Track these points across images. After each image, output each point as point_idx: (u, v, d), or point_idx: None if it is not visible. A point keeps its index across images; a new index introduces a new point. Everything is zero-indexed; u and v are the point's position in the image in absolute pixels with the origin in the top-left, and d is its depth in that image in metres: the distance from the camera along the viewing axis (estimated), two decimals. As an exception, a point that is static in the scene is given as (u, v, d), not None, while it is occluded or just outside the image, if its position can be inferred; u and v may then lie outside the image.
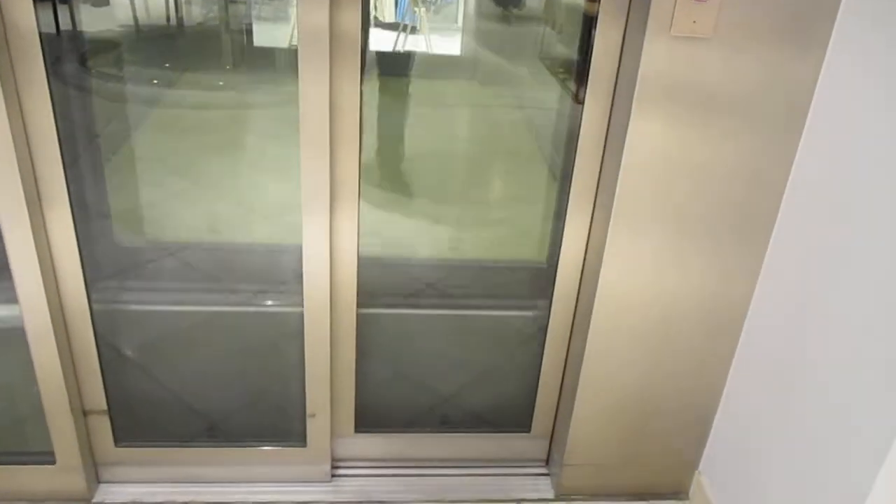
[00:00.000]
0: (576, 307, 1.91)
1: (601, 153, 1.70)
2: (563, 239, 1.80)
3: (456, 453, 2.12)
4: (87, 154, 1.77)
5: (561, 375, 2.02)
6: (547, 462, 2.16)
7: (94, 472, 1.96)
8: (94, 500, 1.94)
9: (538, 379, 2.02)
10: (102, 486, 1.98)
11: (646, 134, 1.54)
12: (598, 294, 1.73)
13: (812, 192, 1.55)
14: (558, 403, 2.07)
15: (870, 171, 1.36)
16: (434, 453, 2.12)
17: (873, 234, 1.34)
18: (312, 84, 1.53)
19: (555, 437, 2.10)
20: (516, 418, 2.13)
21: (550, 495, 2.06)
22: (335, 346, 1.88)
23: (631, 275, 1.71)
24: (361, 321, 1.91)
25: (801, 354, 1.56)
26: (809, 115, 1.56)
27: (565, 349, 1.97)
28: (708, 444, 1.99)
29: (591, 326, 1.78)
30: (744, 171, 1.60)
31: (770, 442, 1.67)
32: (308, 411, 1.92)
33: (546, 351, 1.97)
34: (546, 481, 2.11)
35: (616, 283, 1.72)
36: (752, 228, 1.67)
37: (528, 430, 2.11)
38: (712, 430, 1.97)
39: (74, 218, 1.63)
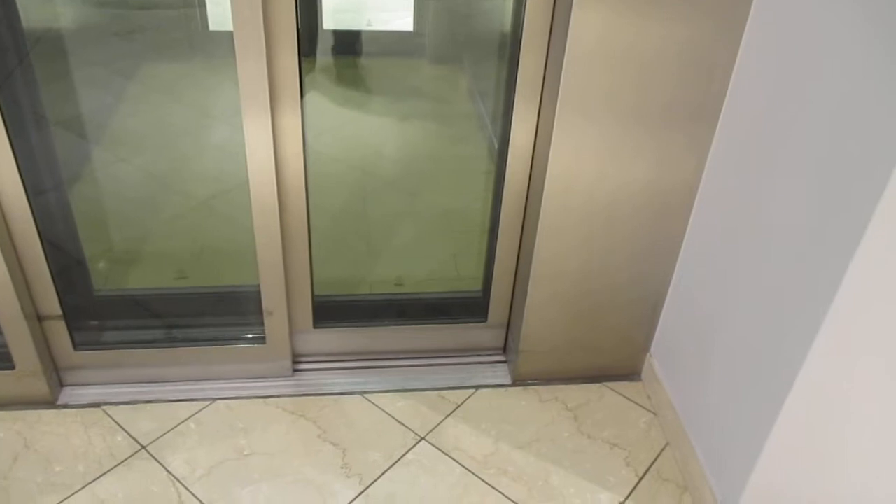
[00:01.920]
0: (527, 197, 1.92)
1: (546, 43, 1.66)
2: (512, 129, 1.78)
3: (415, 345, 2.17)
4: (15, 56, 1.70)
5: (515, 265, 2.04)
6: (504, 350, 2.22)
7: (56, 375, 1.98)
8: (58, 403, 1.98)
9: (493, 269, 2.05)
10: (66, 389, 2.01)
11: (589, 21, 1.50)
12: (546, 181, 1.73)
13: (758, 74, 1.54)
14: (513, 292, 2.11)
15: (816, 56, 1.35)
16: (394, 346, 2.17)
17: (815, 116, 1.34)
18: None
19: (511, 326, 2.15)
20: (473, 308, 2.17)
21: (507, 381, 2.13)
22: (288, 244, 1.89)
23: (579, 161, 1.70)
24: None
25: (746, 238, 1.59)
26: (756, -4, 1.54)
27: (518, 239, 1.99)
28: (658, 328, 2.05)
29: (541, 213, 1.79)
30: (689, 56, 1.58)
31: (716, 324, 1.73)
32: (265, 309, 1.94)
33: (499, 241, 1.98)
34: (503, 368, 2.17)
35: (564, 170, 1.72)
36: (700, 113, 1.67)
37: (485, 320, 2.15)
38: (662, 314, 2.02)
39: (7, 126, 1.58)
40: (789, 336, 1.40)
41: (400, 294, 2.25)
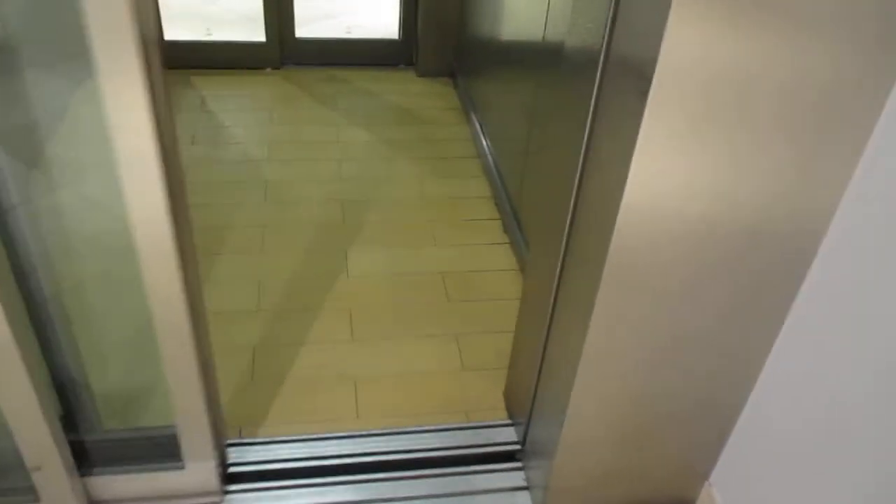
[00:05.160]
0: (564, 255, 1.41)
1: (601, 60, 1.13)
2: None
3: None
4: None
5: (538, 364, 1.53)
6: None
7: None
8: None
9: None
10: None
11: (687, 42, 0.98)
12: (614, 241, 1.16)
13: None
14: (532, 409, 1.61)
15: None
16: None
17: None
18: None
19: (533, 453, 1.63)
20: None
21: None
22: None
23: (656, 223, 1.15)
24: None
25: (849, 362, 1.13)
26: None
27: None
28: (724, 453, 1.56)
29: (600, 289, 1.23)
30: (819, 103, 1.06)
31: (800, 458, 1.29)
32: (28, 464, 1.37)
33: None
34: (525, 496, 1.64)
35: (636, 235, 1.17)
36: (821, 186, 1.16)
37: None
38: (731, 438, 1.53)
39: None
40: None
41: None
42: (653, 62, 0.97)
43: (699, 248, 1.19)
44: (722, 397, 1.44)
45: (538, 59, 1.99)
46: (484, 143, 2.62)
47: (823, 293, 1.25)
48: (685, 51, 0.96)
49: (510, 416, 1.71)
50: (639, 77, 1.01)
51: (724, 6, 0.93)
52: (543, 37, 1.93)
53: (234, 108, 2.90)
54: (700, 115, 1.03)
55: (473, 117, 2.79)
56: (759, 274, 1.24)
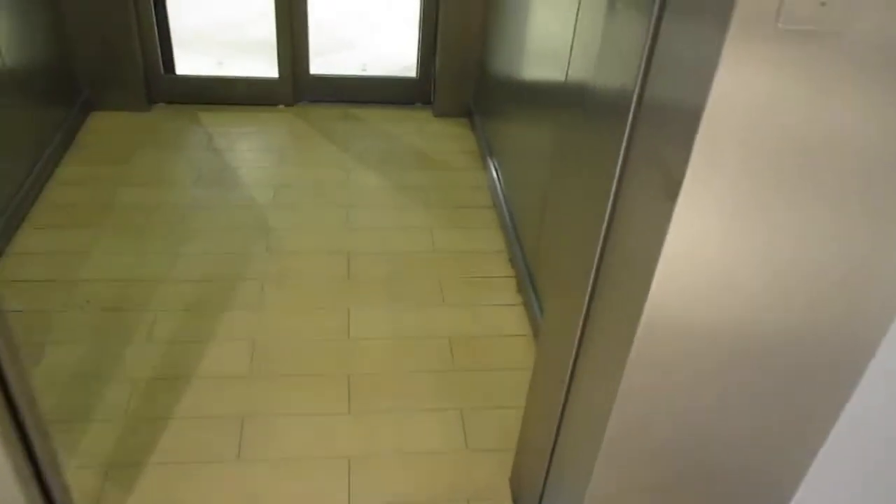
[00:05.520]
0: (583, 330, 1.22)
1: (633, 104, 0.95)
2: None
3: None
4: None
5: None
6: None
7: None
8: None
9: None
10: None
11: (740, 93, 0.79)
12: (643, 324, 0.99)
13: None
14: (545, 483, 1.42)
15: None
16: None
17: None
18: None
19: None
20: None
21: None
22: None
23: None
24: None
25: None
26: None
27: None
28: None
29: (625, 374, 1.07)
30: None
31: None
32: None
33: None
34: None
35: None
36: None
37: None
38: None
39: None
40: None
41: None
42: (697, 115, 0.79)
43: (742, 336, 1.01)
44: (762, 499, 1.25)
45: (559, 101, 1.83)
46: (500, 191, 2.46)
47: (883, 392, 1.05)
48: (739, 104, 0.78)
49: (516, 507, 1.53)
50: (679, 131, 0.84)
51: (792, 51, 0.76)
52: (566, 77, 1.77)
53: (242, 148, 2.77)
54: (755, 185, 0.85)
55: (490, 162, 2.63)
56: (807, 366, 1.06)
